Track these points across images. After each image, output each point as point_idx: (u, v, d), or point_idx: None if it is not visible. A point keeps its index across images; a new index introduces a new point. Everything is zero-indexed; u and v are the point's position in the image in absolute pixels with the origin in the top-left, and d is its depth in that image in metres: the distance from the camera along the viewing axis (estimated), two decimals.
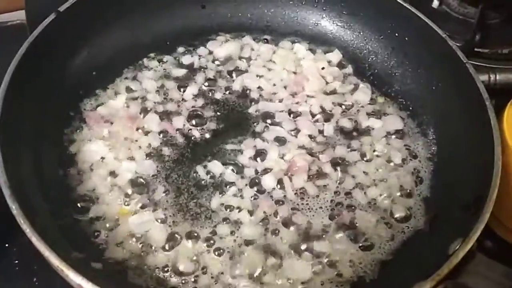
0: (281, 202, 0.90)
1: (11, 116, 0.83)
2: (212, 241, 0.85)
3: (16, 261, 0.90)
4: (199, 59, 1.12)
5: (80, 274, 0.65)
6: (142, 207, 0.88)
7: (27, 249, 0.87)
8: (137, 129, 0.98)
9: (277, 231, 0.87)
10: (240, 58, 1.13)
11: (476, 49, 1.20)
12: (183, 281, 0.80)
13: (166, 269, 0.82)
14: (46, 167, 0.89)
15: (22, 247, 0.91)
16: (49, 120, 0.94)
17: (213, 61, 1.12)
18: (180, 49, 1.13)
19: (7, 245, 0.91)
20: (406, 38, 1.09)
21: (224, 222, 0.87)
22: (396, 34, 1.10)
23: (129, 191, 0.90)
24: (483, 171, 0.82)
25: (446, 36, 1.00)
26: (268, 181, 0.92)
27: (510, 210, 0.89)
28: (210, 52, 1.13)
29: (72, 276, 0.65)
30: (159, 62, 1.10)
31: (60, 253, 0.68)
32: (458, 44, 1.09)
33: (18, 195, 0.72)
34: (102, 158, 0.94)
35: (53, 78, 0.98)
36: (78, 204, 0.88)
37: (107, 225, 0.86)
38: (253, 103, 1.05)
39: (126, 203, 0.88)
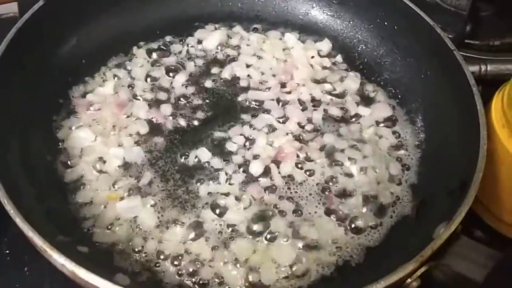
0: (269, 188, 0.90)
1: None
2: (199, 227, 0.85)
3: (7, 251, 0.90)
4: (188, 47, 1.12)
5: (64, 255, 0.65)
6: (130, 193, 0.88)
7: (18, 239, 0.88)
8: (126, 116, 0.99)
9: (264, 216, 0.87)
10: (229, 46, 1.13)
11: (467, 41, 1.21)
12: (171, 266, 0.80)
13: (152, 254, 0.82)
14: (34, 152, 0.89)
15: (12, 238, 0.91)
16: (37, 106, 0.94)
17: (202, 50, 1.12)
18: (170, 38, 1.13)
19: None
20: (395, 27, 1.09)
21: (212, 208, 0.87)
22: (386, 23, 1.11)
23: (117, 177, 0.90)
24: (469, 156, 0.82)
25: (435, 24, 1.00)
26: (256, 168, 0.92)
27: (495, 196, 0.90)
28: (199, 41, 1.13)
29: (56, 256, 0.65)
30: (148, 50, 1.10)
31: (44, 235, 0.68)
32: (449, 36, 1.09)
33: (3, 177, 0.72)
34: (90, 144, 0.94)
35: (42, 65, 0.98)
36: (66, 189, 0.88)
37: (95, 210, 0.86)
38: (242, 91, 1.06)
39: (114, 189, 0.88)
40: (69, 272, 0.66)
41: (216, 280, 0.80)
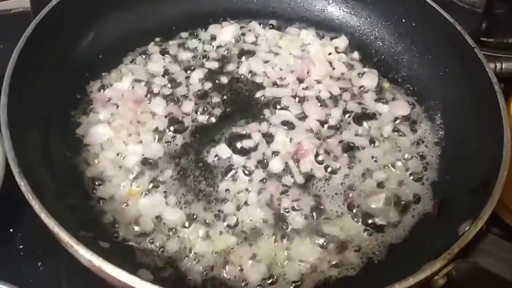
0: (288, 185, 0.90)
1: (18, 98, 0.82)
2: (220, 224, 0.84)
3: (21, 246, 0.90)
4: (204, 43, 1.12)
5: (90, 250, 0.64)
6: (151, 189, 0.88)
7: (32, 234, 0.89)
8: (143, 112, 0.98)
9: (285, 213, 0.86)
10: (245, 42, 1.13)
11: (482, 39, 1.20)
12: (194, 262, 0.80)
13: (175, 250, 0.81)
14: (54, 149, 0.89)
15: (26, 232, 0.91)
16: (55, 102, 0.94)
17: (218, 46, 1.12)
18: (186, 34, 1.13)
19: (11, 230, 0.90)
20: (414, 24, 1.09)
21: (232, 205, 0.87)
22: (403, 20, 1.10)
23: (137, 173, 0.90)
24: (492, 153, 0.82)
25: (455, 22, 1.00)
26: (276, 164, 0.92)
27: None
28: (213, 37, 1.13)
29: (82, 251, 0.65)
30: (165, 46, 1.10)
31: (69, 230, 0.67)
32: None
33: (26, 173, 0.72)
34: (109, 140, 0.93)
35: (59, 60, 0.98)
36: (86, 185, 0.87)
37: (115, 205, 0.85)
38: (259, 87, 1.05)
39: (134, 185, 0.88)
40: (95, 267, 0.65)
41: (238, 276, 0.79)
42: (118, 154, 0.92)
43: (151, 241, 0.82)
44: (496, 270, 0.67)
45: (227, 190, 0.89)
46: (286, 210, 0.87)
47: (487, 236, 0.71)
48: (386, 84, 1.08)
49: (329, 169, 0.92)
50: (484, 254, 0.69)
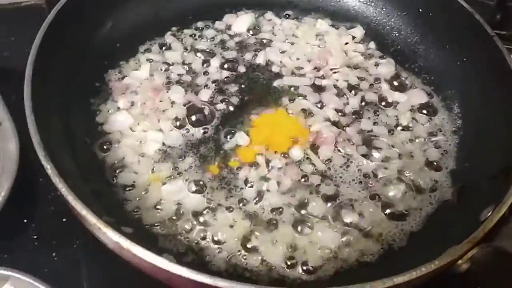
0: (308, 172, 0.90)
1: (40, 85, 0.83)
2: (242, 211, 0.85)
3: (35, 236, 0.90)
4: (222, 33, 1.12)
5: (118, 232, 0.65)
6: (172, 176, 0.88)
7: (46, 224, 0.89)
8: (162, 100, 0.98)
9: (306, 200, 0.87)
10: (262, 32, 1.13)
11: (495, 31, 1.20)
12: (216, 248, 0.81)
13: (198, 236, 0.82)
14: (75, 135, 0.90)
15: (41, 223, 0.91)
16: (75, 90, 0.95)
17: (235, 35, 1.12)
18: (203, 23, 1.14)
19: (25, 220, 0.91)
20: (430, 14, 1.09)
21: (253, 192, 0.87)
22: (420, 10, 1.10)
23: (157, 161, 0.90)
24: (510, 142, 0.82)
25: (473, 11, 1.00)
26: (295, 152, 0.92)
27: None
28: (229, 26, 1.13)
29: (110, 234, 0.65)
30: (182, 35, 1.11)
31: (95, 214, 0.68)
32: None
33: (51, 157, 0.72)
34: (129, 128, 0.94)
35: (78, 48, 0.98)
36: (108, 172, 0.88)
37: (137, 192, 0.86)
38: (277, 76, 1.06)
39: (155, 172, 0.88)
40: (122, 249, 0.65)
41: (260, 261, 0.80)
42: (138, 141, 0.92)
43: (173, 227, 0.82)
44: None
45: (246, 177, 0.89)
46: (307, 197, 0.87)
47: (510, 221, 0.71)
48: (403, 73, 1.08)
49: (348, 157, 0.93)
50: (508, 238, 0.69)
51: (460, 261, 0.69)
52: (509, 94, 0.88)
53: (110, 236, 0.65)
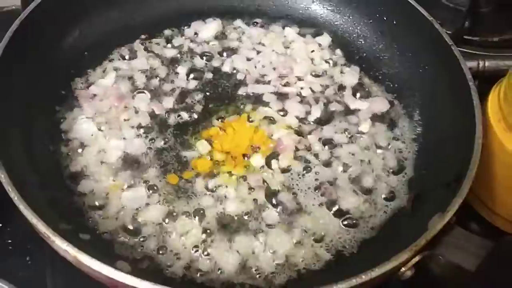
0: (267, 180, 0.91)
1: (1, 92, 0.85)
2: (200, 218, 0.86)
3: (10, 241, 0.92)
4: (189, 40, 1.13)
5: (66, 240, 0.66)
6: (132, 184, 0.89)
7: (21, 229, 0.90)
8: (127, 108, 1.00)
9: (263, 207, 0.88)
10: (229, 40, 1.15)
11: (466, 37, 1.22)
12: (172, 255, 0.82)
13: (155, 244, 0.83)
14: (37, 143, 0.91)
15: (15, 227, 0.93)
16: (40, 97, 0.96)
17: (202, 43, 1.13)
18: (170, 31, 1.15)
19: (0, 225, 0.92)
20: (394, 22, 1.10)
21: (211, 200, 0.89)
22: (385, 18, 1.12)
23: (119, 169, 0.91)
24: (464, 150, 0.83)
25: (433, 20, 1.01)
26: (256, 160, 0.94)
27: (490, 190, 0.91)
28: (196, 33, 1.14)
29: (59, 242, 0.67)
30: (150, 43, 1.12)
31: (47, 221, 0.69)
32: (448, 32, 1.10)
33: (7, 165, 0.74)
34: (93, 136, 0.95)
35: (45, 56, 1.00)
36: (68, 179, 0.89)
37: (97, 199, 0.87)
38: (242, 84, 1.07)
39: (116, 180, 0.90)
40: (71, 257, 0.67)
41: (215, 269, 0.81)
42: (100, 150, 0.93)
43: (130, 234, 0.84)
44: (460, 262, 0.68)
45: (206, 185, 0.90)
46: (264, 204, 0.88)
47: (454, 229, 0.73)
48: (367, 81, 1.09)
49: (307, 165, 0.94)
50: (451, 246, 0.71)
51: (403, 268, 0.71)
52: (465, 103, 0.89)
53: (59, 244, 0.67)
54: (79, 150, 0.93)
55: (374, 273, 0.67)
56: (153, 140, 0.96)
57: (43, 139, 0.92)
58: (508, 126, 0.86)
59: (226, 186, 0.90)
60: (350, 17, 1.17)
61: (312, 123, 1.01)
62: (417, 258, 0.71)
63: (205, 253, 0.83)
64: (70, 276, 0.86)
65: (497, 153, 0.88)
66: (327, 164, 0.95)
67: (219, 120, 1.00)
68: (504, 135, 0.87)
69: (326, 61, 1.12)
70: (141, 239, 0.83)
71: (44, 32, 0.99)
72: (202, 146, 0.95)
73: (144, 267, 0.80)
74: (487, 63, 1.14)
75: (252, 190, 0.90)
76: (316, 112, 1.02)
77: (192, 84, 1.06)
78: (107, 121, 0.97)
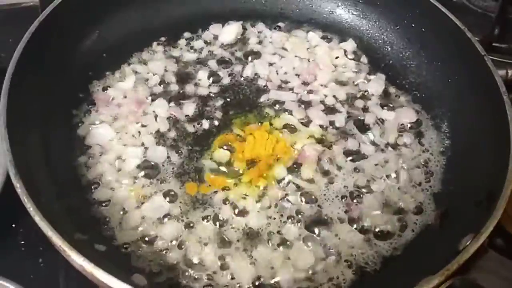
0: (289, 192, 0.89)
1: (18, 95, 0.82)
2: (220, 232, 0.84)
3: (22, 242, 0.90)
4: (209, 44, 1.11)
5: (82, 255, 0.64)
6: (151, 194, 0.87)
7: (33, 230, 0.87)
8: (146, 113, 0.97)
9: (283, 220, 0.85)
10: (251, 43, 1.12)
11: (494, 44, 1.18)
12: (194, 276, 0.79)
13: (173, 257, 0.81)
14: (54, 149, 0.89)
15: (28, 228, 0.91)
16: (58, 101, 0.94)
17: (223, 47, 1.11)
18: (191, 35, 1.12)
19: (13, 225, 0.91)
20: (423, 29, 1.07)
21: (230, 211, 0.86)
22: (413, 25, 1.08)
23: (136, 177, 0.89)
24: (497, 166, 0.80)
25: (465, 28, 0.98)
26: (279, 170, 0.91)
27: None
28: (216, 37, 1.12)
29: (74, 256, 0.65)
30: (170, 47, 1.10)
31: (62, 233, 0.67)
32: (476, 38, 1.06)
33: (23, 175, 0.72)
34: (110, 141, 0.93)
35: (63, 58, 0.98)
36: (85, 187, 0.87)
37: (114, 209, 0.85)
38: (263, 90, 1.04)
39: (133, 189, 0.87)
40: (86, 272, 0.65)
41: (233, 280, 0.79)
42: (118, 157, 0.91)
43: (148, 246, 0.81)
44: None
45: (226, 197, 0.88)
46: (285, 217, 0.86)
47: (487, 252, 0.69)
48: (394, 88, 1.06)
49: (330, 177, 0.91)
50: (483, 271, 0.67)
51: None
52: (498, 116, 0.85)
53: (75, 259, 0.65)
54: (97, 157, 0.91)
55: None
56: (172, 147, 0.93)
57: (61, 145, 0.90)
58: None
59: (245, 198, 0.87)
60: (376, 22, 1.14)
61: (336, 132, 0.98)
62: (448, 283, 0.67)
63: (225, 265, 0.80)
64: (83, 279, 0.84)
65: None
66: (352, 176, 0.92)
67: (240, 127, 0.97)
68: None
69: (351, 68, 1.09)
70: (159, 251, 0.81)
71: (62, 33, 0.97)
72: (220, 154, 0.92)
73: (161, 281, 0.77)
74: None
75: (272, 202, 0.87)
76: (340, 121, 0.99)
77: (212, 89, 1.03)
78: (125, 127, 0.95)
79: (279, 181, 0.90)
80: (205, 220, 0.85)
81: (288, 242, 0.83)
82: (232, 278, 0.79)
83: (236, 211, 0.86)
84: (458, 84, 1.00)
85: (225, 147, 0.94)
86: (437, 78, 1.04)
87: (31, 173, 0.76)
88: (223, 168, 0.91)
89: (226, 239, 0.83)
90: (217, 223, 0.84)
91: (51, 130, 0.90)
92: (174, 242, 0.82)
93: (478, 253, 0.69)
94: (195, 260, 0.80)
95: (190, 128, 0.96)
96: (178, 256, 0.80)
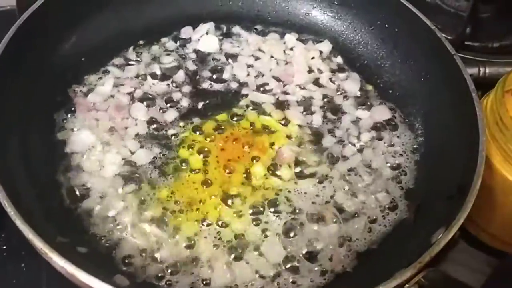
0: (268, 190, 0.90)
1: None
2: (202, 233, 0.85)
3: (4, 247, 0.91)
4: (186, 47, 1.12)
5: (64, 257, 0.65)
6: (129, 197, 0.88)
7: (15, 234, 0.88)
8: (125, 118, 0.98)
9: (262, 217, 0.87)
10: (228, 46, 1.13)
11: (466, 43, 1.21)
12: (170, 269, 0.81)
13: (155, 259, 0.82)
14: (34, 153, 0.89)
15: (10, 233, 0.91)
16: (37, 105, 0.94)
17: (200, 50, 1.12)
18: (169, 38, 1.13)
19: None
20: (396, 29, 1.09)
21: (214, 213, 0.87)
22: (386, 25, 1.11)
23: (117, 182, 0.89)
24: (468, 161, 0.82)
25: (435, 28, 1.00)
26: (257, 169, 0.93)
27: (488, 210, 0.90)
28: (194, 40, 1.13)
29: (56, 259, 0.65)
30: (148, 50, 1.10)
31: (44, 237, 0.68)
32: (449, 37, 1.10)
33: (3, 179, 0.72)
34: (91, 145, 0.93)
35: (41, 63, 0.98)
36: (66, 191, 0.88)
37: (95, 212, 0.85)
38: (241, 92, 1.05)
39: (116, 192, 0.88)
40: (68, 274, 0.66)
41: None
42: (98, 161, 0.92)
43: (130, 247, 0.82)
44: (464, 279, 0.67)
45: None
46: (264, 213, 0.88)
47: (458, 243, 0.72)
48: (368, 87, 1.08)
49: (307, 176, 0.93)
50: (454, 262, 0.70)
51: (406, 285, 0.70)
52: (468, 113, 0.88)
53: (56, 261, 0.66)
54: (77, 161, 0.91)
55: None
56: (152, 151, 0.94)
57: (41, 149, 0.91)
58: (492, 137, 0.87)
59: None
60: (351, 23, 1.16)
61: (313, 132, 1.00)
62: (420, 275, 0.69)
63: (205, 265, 0.81)
64: (66, 283, 0.84)
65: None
66: (327, 174, 0.94)
67: (218, 129, 0.98)
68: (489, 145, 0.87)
69: (327, 69, 1.11)
70: (141, 250, 0.82)
71: (40, 37, 0.97)
72: (195, 160, 0.93)
73: (141, 281, 0.78)
74: (487, 70, 1.14)
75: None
76: (317, 121, 1.01)
77: (191, 91, 1.04)
78: (105, 131, 0.95)
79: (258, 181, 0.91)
80: (188, 221, 0.86)
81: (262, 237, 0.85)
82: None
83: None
84: (430, 82, 1.02)
85: (199, 151, 0.95)
86: (410, 77, 1.06)
87: (11, 177, 0.77)
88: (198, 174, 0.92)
89: (210, 240, 0.84)
90: (200, 225, 0.86)
91: (31, 134, 0.90)
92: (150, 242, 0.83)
93: (449, 246, 0.72)
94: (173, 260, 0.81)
95: (170, 131, 0.97)
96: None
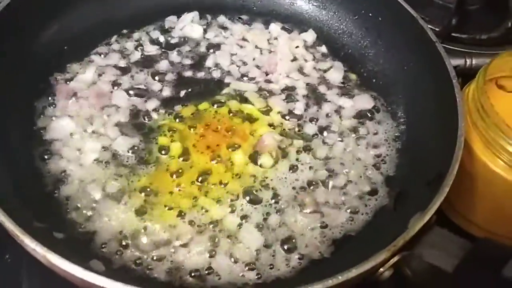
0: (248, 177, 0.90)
1: None
2: (181, 216, 0.85)
3: None
4: (171, 36, 1.12)
5: (36, 240, 0.65)
6: (109, 184, 0.87)
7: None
8: (106, 105, 0.98)
9: (241, 204, 0.87)
10: (213, 36, 1.13)
11: (454, 34, 1.21)
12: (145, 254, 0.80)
13: (132, 243, 0.82)
14: (13, 139, 0.89)
15: None
16: (18, 92, 0.94)
17: (184, 38, 1.12)
18: (153, 26, 1.13)
19: None
20: (380, 19, 1.09)
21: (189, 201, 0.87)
22: (370, 14, 1.11)
23: (97, 168, 0.89)
24: (446, 148, 0.82)
25: (417, 16, 1.00)
26: (238, 157, 0.92)
27: (467, 194, 0.90)
28: (179, 28, 1.12)
29: (28, 241, 0.65)
30: (131, 39, 1.10)
31: (19, 221, 0.68)
32: (436, 29, 1.09)
33: None
34: (71, 133, 0.93)
35: (23, 50, 0.98)
36: (44, 177, 0.88)
37: (74, 199, 0.85)
38: (224, 80, 1.05)
39: (94, 179, 0.88)
40: (41, 257, 0.65)
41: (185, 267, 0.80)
42: (78, 149, 0.91)
43: (107, 233, 0.82)
44: (438, 263, 0.67)
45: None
46: (243, 200, 0.88)
47: (434, 228, 0.71)
48: (352, 76, 1.08)
49: (288, 163, 0.93)
50: (429, 246, 0.69)
51: (382, 269, 0.69)
52: (448, 100, 0.88)
53: (28, 244, 0.65)
54: (57, 149, 0.91)
55: (351, 273, 0.65)
56: (132, 138, 0.94)
57: (20, 136, 0.90)
58: (473, 125, 0.87)
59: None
60: (336, 13, 1.16)
61: (295, 120, 1.00)
62: (396, 258, 0.69)
63: (179, 251, 0.81)
64: (47, 278, 0.84)
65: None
66: (308, 161, 0.93)
67: (201, 118, 0.98)
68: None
69: (311, 58, 1.11)
70: (118, 238, 0.82)
71: (22, 25, 0.98)
72: (175, 147, 0.93)
73: (118, 267, 0.78)
74: (474, 61, 1.14)
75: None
76: (300, 109, 1.01)
77: (174, 80, 1.04)
78: (86, 118, 0.95)
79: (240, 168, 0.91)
80: (166, 208, 0.86)
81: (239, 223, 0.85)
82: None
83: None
84: (413, 71, 1.02)
85: (179, 139, 0.94)
86: (394, 66, 1.06)
87: None
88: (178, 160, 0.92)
89: (189, 226, 0.84)
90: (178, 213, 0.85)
91: (11, 120, 0.90)
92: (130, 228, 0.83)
93: (425, 230, 0.72)
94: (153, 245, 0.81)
95: (151, 119, 0.97)
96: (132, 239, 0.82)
